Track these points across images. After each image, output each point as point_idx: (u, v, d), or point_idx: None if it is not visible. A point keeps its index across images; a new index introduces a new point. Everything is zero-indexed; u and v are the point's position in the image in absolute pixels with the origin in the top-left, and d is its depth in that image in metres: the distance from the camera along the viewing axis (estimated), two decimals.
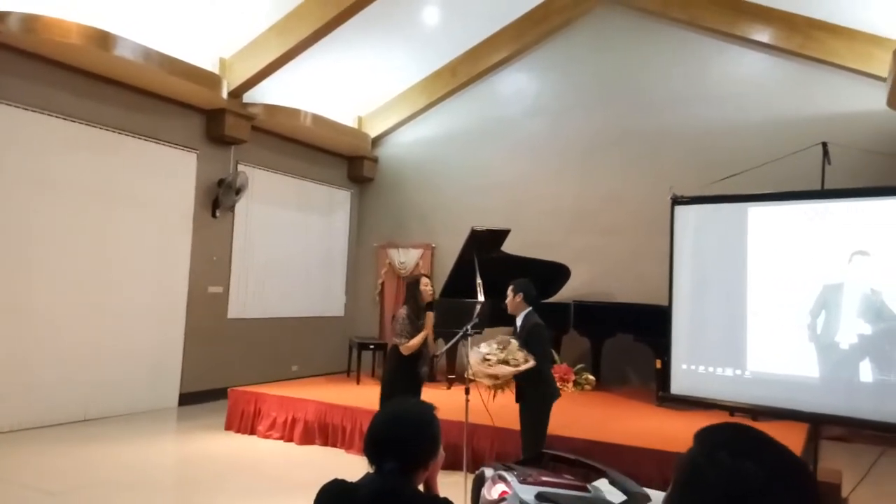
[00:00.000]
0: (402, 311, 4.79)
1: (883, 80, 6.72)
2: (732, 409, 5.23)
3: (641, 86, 8.38)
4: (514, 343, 4.22)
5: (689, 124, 8.02)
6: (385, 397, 4.70)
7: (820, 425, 4.77)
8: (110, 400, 6.82)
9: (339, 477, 1.74)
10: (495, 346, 4.24)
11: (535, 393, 4.27)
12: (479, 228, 6.79)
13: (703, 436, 1.04)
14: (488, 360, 4.18)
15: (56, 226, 6.41)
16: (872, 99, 6.99)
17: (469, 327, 4.40)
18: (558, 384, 7.25)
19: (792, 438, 5.01)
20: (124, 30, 6.44)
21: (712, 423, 1.06)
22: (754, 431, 1.04)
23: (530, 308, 4.43)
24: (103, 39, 6.20)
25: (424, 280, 4.94)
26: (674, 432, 5.26)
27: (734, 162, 6.44)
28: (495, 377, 4.15)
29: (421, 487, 1.76)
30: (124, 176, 7.00)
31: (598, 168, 8.53)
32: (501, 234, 7.15)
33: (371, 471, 1.67)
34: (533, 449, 4.19)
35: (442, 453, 1.76)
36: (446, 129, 9.72)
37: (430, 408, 1.77)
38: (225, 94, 7.59)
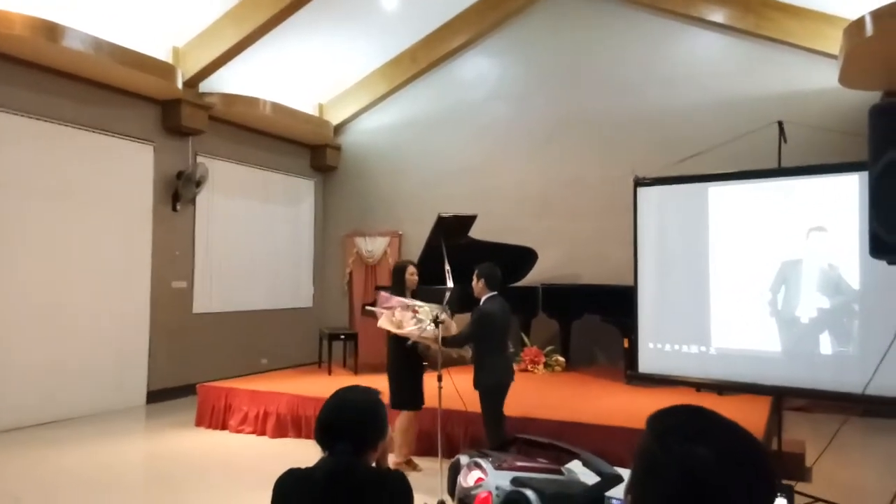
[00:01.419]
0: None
1: (834, 57, 6.87)
2: (699, 385, 5.36)
3: (601, 68, 8.43)
4: (430, 308, 4.51)
5: (649, 106, 8.11)
6: (394, 385, 4.67)
7: (783, 397, 4.92)
8: (76, 401, 6.66)
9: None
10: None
11: (478, 380, 4.44)
12: (445, 215, 6.77)
13: (653, 423, 1.06)
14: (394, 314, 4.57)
15: (10, 225, 6.20)
16: (825, 77, 7.16)
17: (439, 314, 4.40)
18: (529, 367, 7.39)
19: (756, 411, 5.16)
20: (72, 20, 6.22)
21: (662, 409, 1.08)
22: (704, 413, 1.06)
23: (493, 293, 4.53)
24: (50, 30, 5.98)
25: (411, 269, 4.91)
26: (643, 410, 5.30)
27: (694, 142, 6.53)
28: (399, 325, 4.48)
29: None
30: (78, 172, 6.79)
31: (562, 152, 8.58)
32: (468, 220, 7.15)
33: (324, 455, 1.76)
34: (493, 439, 4.28)
35: (390, 434, 1.88)
36: (409, 115, 9.65)
37: (375, 392, 1.88)
38: (180, 84, 7.40)
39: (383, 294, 4.84)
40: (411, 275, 4.88)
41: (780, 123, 4.90)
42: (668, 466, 0.98)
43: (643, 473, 1.02)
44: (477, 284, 4.57)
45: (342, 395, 1.85)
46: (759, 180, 4.74)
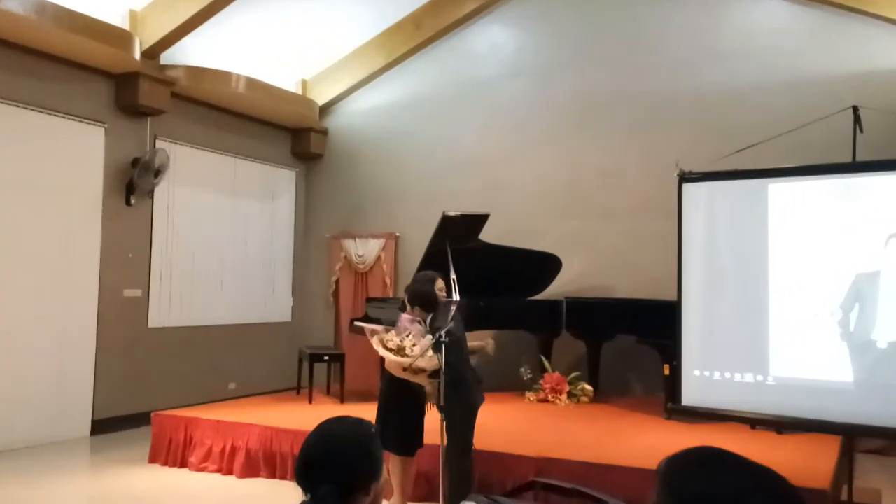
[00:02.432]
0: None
1: None
2: (753, 421, 5.34)
3: (641, 40, 8.44)
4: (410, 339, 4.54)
5: (698, 86, 8.10)
6: (387, 425, 4.66)
7: (855, 437, 4.89)
8: (4, 431, 6.68)
9: None
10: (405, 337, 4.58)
11: (463, 398, 4.53)
12: (451, 213, 6.79)
13: (672, 483, 1.06)
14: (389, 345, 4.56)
15: None
16: None
17: (443, 333, 4.40)
18: (549, 396, 7.40)
19: (822, 453, 5.13)
20: None
21: (675, 458, 1.07)
22: (729, 465, 1.07)
23: (431, 314, 4.66)
24: None
25: (440, 283, 4.85)
26: None
27: (751, 131, 6.53)
28: (399, 350, 4.49)
29: None
30: (13, 156, 6.82)
31: (592, 139, 8.57)
32: (479, 220, 7.16)
33: (305, 499, 1.76)
34: (465, 471, 4.48)
35: (386, 476, 1.89)
36: (410, 93, 9.67)
37: (368, 425, 1.89)
38: (138, 55, 7.44)
39: (405, 316, 4.82)
40: (440, 290, 4.84)
41: (856, 109, 4.90)
42: None
43: None
44: (413, 312, 4.72)
45: (328, 429, 1.85)
46: (829, 176, 4.74)
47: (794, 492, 1.03)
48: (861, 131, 4.92)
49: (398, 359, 4.49)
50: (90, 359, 7.49)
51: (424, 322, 4.65)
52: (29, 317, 6.92)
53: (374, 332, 4.70)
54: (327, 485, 1.72)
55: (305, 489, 1.77)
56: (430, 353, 4.41)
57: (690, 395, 5.04)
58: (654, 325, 6.76)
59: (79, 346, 7.39)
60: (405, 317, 4.78)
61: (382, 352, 4.58)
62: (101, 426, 7.48)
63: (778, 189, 4.86)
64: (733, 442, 5.14)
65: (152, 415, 6.61)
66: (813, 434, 5.20)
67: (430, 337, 4.48)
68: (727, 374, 4.90)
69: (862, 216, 4.51)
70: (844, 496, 4.52)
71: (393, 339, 4.58)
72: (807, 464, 4.87)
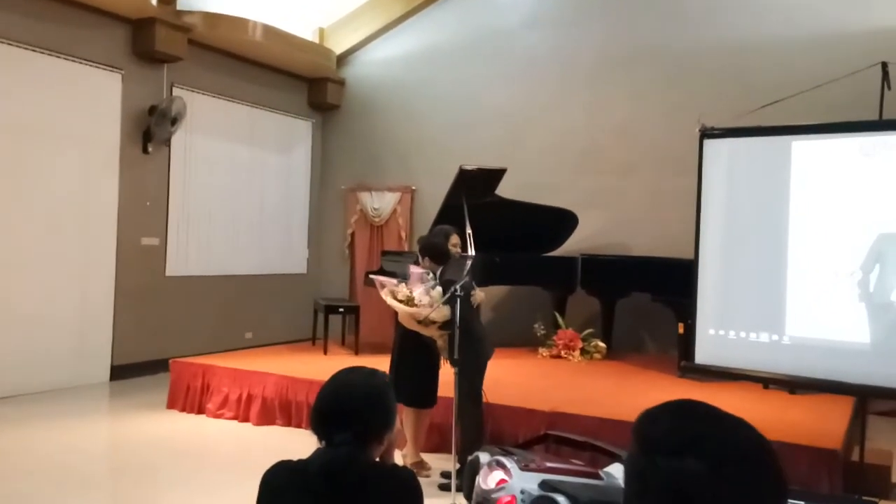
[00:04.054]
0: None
1: None
2: (767, 380, 5.35)
3: None
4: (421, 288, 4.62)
5: (721, 40, 7.94)
6: (402, 378, 4.69)
7: (868, 399, 4.90)
8: (26, 376, 6.81)
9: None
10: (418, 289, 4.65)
11: (477, 352, 4.64)
12: (468, 167, 6.76)
13: (638, 431, 1.08)
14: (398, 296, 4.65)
15: None
16: None
17: (458, 287, 4.42)
18: (563, 353, 7.44)
19: (835, 414, 5.15)
20: None
21: (649, 410, 1.09)
22: (697, 412, 1.08)
23: (442, 266, 4.76)
24: None
25: (455, 238, 4.94)
26: None
27: (775, 86, 6.41)
28: (408, 300, 4.59)
29: None
30: (30, 103, 6.83)
31: (612, 93, 8.47)
32: (496, 175, 7.12)
33: (320, 447, 1.80)
34: (478, 425, 4.58)
35: (399, 427, 1.89)
36: (429, 44, 9.56)
37: (382, 376, 1.93)
38: (154, 0, 7.37)
39: (415, 268, 4.85)
40: (454, 246, 4.94)
41: (885, 65, 4.80)
42: (655, 487, 1.02)
43: (632, 494, 1.06)
44: (423, 263, 4.80)
45: (343, 378, 1.89)
46: (855, 134, 4.66)
47: (759, 440, 1.04)
48: (889, 88, 4.83)
49: (408, 309, 4.55)
50: (109, 306, 7.59)
51: (434, 274, 4.69)
52: (47, 265, 7.00)
53: (383, 285, 4.75)
54: (342, 433, 1.76)
55: (320, 437, 1.81)
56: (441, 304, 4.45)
57: (704, 354, 5.05)
58: (670, 283, 6.75)
59: (98, 293, 7.48)
60: (415, 268, 4.81)
61: (391, 302, 4.63)
62: (120, 372, 7.61)
63: (801, 147, 4.79)
64: (745, 401, 5.17)
65: (170, 362, 6.72)
66: (826, 394, 5.21)
67: (440, 289, 4.52)
68: (742, 334, 4.89)
69: (887, 176, 4.44)
70: (856, 457, 4.54)
71: (402, 290, 4.63)
72: (819, 424, 4.89)
